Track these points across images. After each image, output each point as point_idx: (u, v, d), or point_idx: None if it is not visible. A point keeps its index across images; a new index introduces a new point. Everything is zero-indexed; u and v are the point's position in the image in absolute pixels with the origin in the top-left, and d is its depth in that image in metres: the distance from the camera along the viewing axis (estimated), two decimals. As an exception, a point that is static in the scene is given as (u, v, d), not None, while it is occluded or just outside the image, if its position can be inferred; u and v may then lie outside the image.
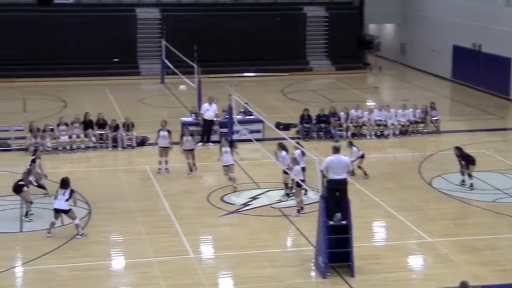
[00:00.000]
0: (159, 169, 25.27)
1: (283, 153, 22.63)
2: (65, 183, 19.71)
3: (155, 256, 18.40)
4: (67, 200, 19.52)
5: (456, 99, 39.35)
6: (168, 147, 25.29)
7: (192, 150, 25.13)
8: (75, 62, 42.44)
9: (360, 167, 24.68)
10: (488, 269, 17.79)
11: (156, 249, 18.80)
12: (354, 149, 24.76)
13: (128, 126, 28.53)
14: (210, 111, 28.65)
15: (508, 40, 37.60)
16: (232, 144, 24.99)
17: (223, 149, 23.67)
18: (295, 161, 21.41)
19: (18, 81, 41.01)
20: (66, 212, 19.61)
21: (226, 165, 23.63)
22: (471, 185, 23.65)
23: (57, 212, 19.58)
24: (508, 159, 27.20)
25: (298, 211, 21.33)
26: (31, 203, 21.19)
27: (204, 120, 28.71)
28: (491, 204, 22.42)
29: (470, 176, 23.71)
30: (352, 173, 24.27)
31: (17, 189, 21.41)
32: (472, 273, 17.21)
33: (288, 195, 22.57)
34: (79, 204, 21.79)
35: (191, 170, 25.02)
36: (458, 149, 24.19)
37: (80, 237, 19.49)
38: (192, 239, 19.48)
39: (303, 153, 22.10)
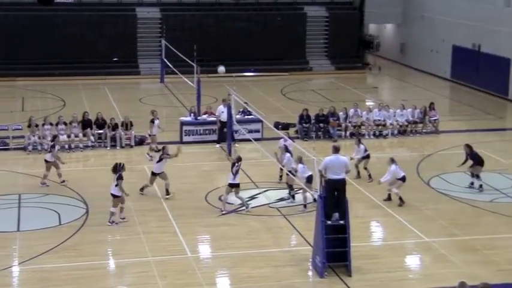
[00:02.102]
0: (151, 156, 25.63)
1: (287, 155, 22.63)
2: (113, 169, 20.43)
3: (153, 256, 18.40)
4: (116, 186, 20.09)
5: (455, 100, 39.33)
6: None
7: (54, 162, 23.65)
8: (75, 61, 42.46)
9: (365, 169, 24.59)
10: (486, 269, 17.81)
11: (153, 249, 18.79)
12: (362, 147, 24.70)
13: (127, 126, 28.52)
14: (225, 113, 28.50)
15: (507, 40, 37.63)
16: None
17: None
18: (300, 160, 21.47)
19: (17, 80, 41.01)
20: (115, 197, 20.16)
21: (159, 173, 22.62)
22: (480, 186, 23.56)
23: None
24: (506, 159, 27.18)
25: (305, 206, 21.51)
26: None
27: (221, 122, 28.65)
28: (489, 204, 22.45)
29: (478, 177, 23.57)
30: (357, 175, 24.27)
31: None
32: (470, 273, 17.22)
33: (293, 197, 22.54)
34: (77, 204, 21.86)
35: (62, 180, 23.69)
36: (468, 147, 23.94)
37: (109, 224, 20.18)
38: (189, 239, 19.49)
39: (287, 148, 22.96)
